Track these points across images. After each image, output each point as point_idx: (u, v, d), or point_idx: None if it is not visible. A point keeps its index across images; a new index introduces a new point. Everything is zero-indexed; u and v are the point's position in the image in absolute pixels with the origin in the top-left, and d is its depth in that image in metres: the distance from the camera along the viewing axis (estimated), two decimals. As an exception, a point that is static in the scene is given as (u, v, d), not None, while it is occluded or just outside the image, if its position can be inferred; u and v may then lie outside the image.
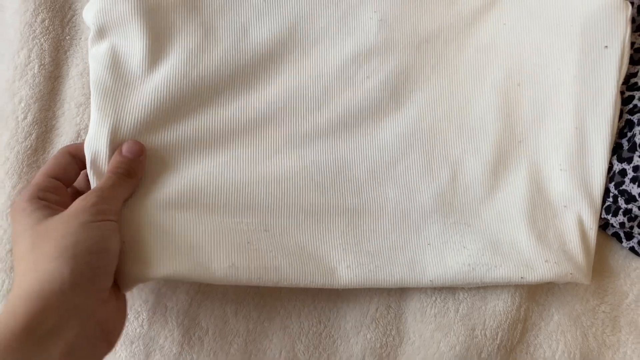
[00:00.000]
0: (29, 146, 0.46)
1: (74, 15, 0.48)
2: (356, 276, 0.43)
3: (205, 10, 0.45)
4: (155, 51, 0.44)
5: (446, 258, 0.44)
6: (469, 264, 0.43)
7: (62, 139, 0.47)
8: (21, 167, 0.46)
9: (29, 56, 0.47)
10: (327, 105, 0.45)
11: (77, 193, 0.42)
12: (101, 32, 0.43)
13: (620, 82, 0.45)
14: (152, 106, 0.43)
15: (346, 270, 0.43)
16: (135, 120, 0.42)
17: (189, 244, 0.41)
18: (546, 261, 0.44)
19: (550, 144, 0.46)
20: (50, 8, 0.48)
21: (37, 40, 0.47)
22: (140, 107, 0.43)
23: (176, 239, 0.41)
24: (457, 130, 0.46)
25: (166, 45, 0.44)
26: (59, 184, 0.40)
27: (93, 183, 0.41)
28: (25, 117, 0.47)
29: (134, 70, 0.43)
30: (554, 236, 0.45)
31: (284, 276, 0.43)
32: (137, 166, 0.41)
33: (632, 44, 0.47)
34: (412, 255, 0.44)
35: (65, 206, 0.38)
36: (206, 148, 0.44)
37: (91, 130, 0.42)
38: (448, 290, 0.45)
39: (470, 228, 0.45)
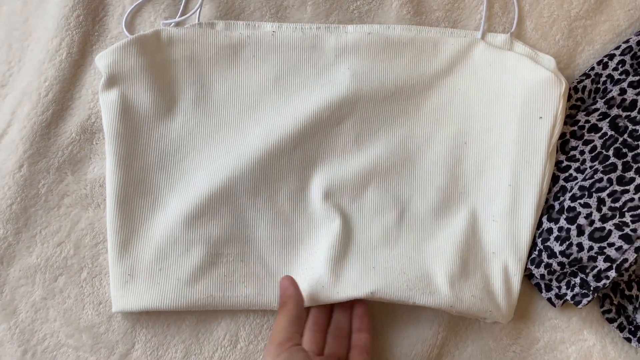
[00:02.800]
0: (44, 119, 0.54)
1: (105, 16, 0.56)
2: (311, 295, 0.50)
3: (202, 64, 0.53)
4: (160, 102, 0.52)
5: (388, 278, 0.50)
6: (407, 286, 0.49)
7: (74, 119, 0.54)
8: (35, 136, 0.53)
9: (60, 44, 0.55)
10: (301, 146, 0.52)
11: None
12: (112, 80, 0.51)
13: (550, 149, 0.51)
14: (158, 150, 0.52)
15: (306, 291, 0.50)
16: (144, 163, 0.52)
17: (176, 280, 0.50)
18: (472, 296, 0.49)
19: (487, 197, 0.52)
20: (86, 6, 0.55)
21: (70, 32, 0.55)
22: (149, 151, 0.52)
23: (167, 275, 0.50)
24: (409, 175, 0.53)
25: (169, 96, 0.52)
26: None
27: None
28: (46, 94, 0.54)
29: (142, 118, 0.52)
30: (481, 277, 0.50)
31: (254, 302, 0.50)
32: (285, 297, 0.47)
33: (577, 121, 0.53)
34: (358, 275, 0.50)
35: None
36: (193, 184, 0.52)
37: (108, 170, 0.51)
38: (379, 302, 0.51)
39: (412, 260, 0.51)
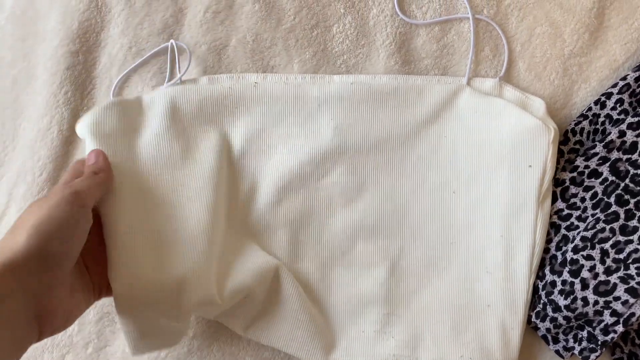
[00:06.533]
0: (40, 199, 0.54)
1: (92, 89, 0.56)
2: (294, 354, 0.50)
3: (184, 119, 0.51)
4: (146, 159, 0.49)
5: (376, 346, 0.50)
6: (394, 355, 0.49)
7: (70, 195, 0.55)
8: (32, 216, 0.54)
9: (51, 122, 0.55)
10: (285, 202, 0.52)
11: None
12: (94, 144, 0.48)
13: (541, 198, 0.50)
14: (144, 211, 0.48)
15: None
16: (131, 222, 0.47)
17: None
18: (461, 356, 0.49)
19: (478, 247, 0.51)
20: (73, 82, 0.56)
21: (59, 109, 0.55)
22: (137, 209, 0.48)
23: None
24: (398, 227, 0.52)
25: (156, 153, 0.49)
26: None
27: None
28: (41, 174, 0.55)
29: (128, 178, 0.48)
30: (475, 332, 0.50)
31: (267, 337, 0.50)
32: (100, 165, 0.45)
33: (576, 167, 0.51)
34: (347, 343, 0.50)
35: None
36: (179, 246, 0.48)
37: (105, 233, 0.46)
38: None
39: (400, 319, 0.50)
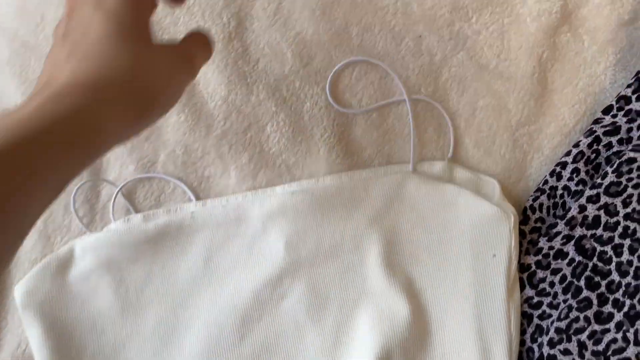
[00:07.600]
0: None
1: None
2: None
3: (122, 267, 0.49)
4: (85, 318, 0.48)
5: None
6: None
7: (4, 348, 0.50)
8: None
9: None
10: (249, 335, 0.48)
11: None
12: (31, 308, 0.48)
13: (509, 287, 0.47)
14: None
15: None
16: None
17: None
18: None
19: (455, 346, 0.48)
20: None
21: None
22: None
23: None
24: (373, 338, 0.48)
25: (94, 310, 0.49)
26: None
27: None
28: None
29: (69, 339, 0.48)
30: None
31: None
32: None
33: (540, 249, 0.48)
34: None
35: None
36: None
37: None
38: None
39: None
